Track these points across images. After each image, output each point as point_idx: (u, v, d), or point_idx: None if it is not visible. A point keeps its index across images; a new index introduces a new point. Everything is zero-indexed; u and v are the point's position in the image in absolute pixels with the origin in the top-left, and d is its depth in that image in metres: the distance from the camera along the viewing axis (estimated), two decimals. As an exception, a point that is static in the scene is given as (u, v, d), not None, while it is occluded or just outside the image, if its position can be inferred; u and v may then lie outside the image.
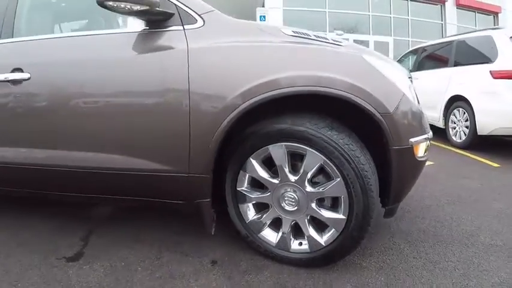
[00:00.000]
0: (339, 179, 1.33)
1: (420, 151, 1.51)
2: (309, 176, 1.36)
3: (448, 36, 5.79)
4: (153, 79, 1.37)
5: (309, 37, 1.45)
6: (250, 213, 1.51)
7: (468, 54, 4.62)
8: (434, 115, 4.95)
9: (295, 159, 1.40)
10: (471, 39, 4.64)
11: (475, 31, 4.94)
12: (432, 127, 1.91)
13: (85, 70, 1.48)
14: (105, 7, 1.28)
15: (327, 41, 1.46)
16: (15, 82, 1.56)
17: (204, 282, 1.38)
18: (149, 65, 1.39)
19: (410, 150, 1.44)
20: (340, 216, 1.37)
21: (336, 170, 1.32)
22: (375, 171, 1.41)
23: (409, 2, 12.78)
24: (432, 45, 5.84)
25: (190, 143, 1.33)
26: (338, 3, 12.23)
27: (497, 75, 3.89)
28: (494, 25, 14.13)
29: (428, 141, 1.56)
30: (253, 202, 1.50)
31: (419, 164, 1.54)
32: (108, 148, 1.45)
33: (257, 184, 1.47)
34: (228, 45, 1.36)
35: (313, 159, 1.33)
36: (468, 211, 2.26)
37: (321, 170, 1.38)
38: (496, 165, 3.71)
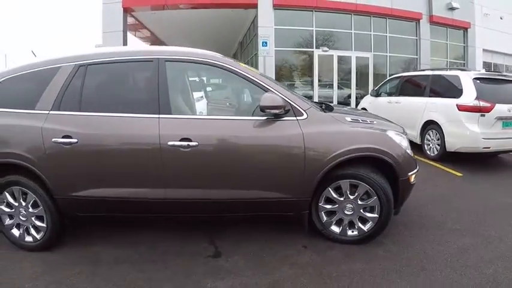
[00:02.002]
0: (375, 197, 2.68)
1: (412, 179, 2.90)
2: (360, 196, 2.70)
3: (425, 70, 7.33)
4: (284, 146, 2.59)
5: (359, 121, 2.81)
6: (324, 217, 2.82)
7: (440, 87, 6.15)
8: (413, 133, 6.41)
9: (352, 187, 2.72)
10: (444, 75, 6.17)
11: (447, 69, 6.50)
12: (411, 143, 3.28)
13: (236, 140, 2.65)
14: (263, 110, 2.52)
15: (367, 122, 2.82)
16: (184, 147, 2.55)
17: (304, 256, 2.67)
18: (279, 138, 2.60)
19: (407, 179, 2.83)
20: (376, 215, 2.72)
21: (374, 193, 2.67)
22: (391, 191, 2.75)
23: (387, 20, 14.41)
24: (412, 75, 7.42)
25: (303, 182, 2.61)
26: (324, 22, 13.68)
27: (462, 108, 5.40)
28: (464, 39, 16.08)
29: (415, 174, 2.93)
30: (327, 211, 2.81)
31: (411, 186, 2.94)
32: (253, 187, 2.65)
33: (330, 200, 2.78)
34: (322, 130, 2.65)
35: (363, 188, 2.68)
36: (439, 208, 3.70)
37: (366, 193, 2.71)
38: (459, 174, 5.22)
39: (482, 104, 5.23)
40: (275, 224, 3.19)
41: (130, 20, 13.99)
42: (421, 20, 14.73)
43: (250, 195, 2.66)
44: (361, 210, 2.75)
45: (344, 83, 14.36)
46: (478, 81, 5.43)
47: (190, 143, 2.55)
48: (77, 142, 2.61)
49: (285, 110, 2.57)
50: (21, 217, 2.83)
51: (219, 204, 2.73)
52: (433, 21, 14.80)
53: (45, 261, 2.70)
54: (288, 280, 2.36)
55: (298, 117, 2.64)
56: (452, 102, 5.59)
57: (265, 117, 2.61)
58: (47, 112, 2.71)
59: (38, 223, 2.82)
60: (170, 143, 2.55)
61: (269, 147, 2.64)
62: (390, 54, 14.88)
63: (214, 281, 2.38)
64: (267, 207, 2.75)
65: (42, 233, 2.83)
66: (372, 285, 2.31)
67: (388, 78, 8.41)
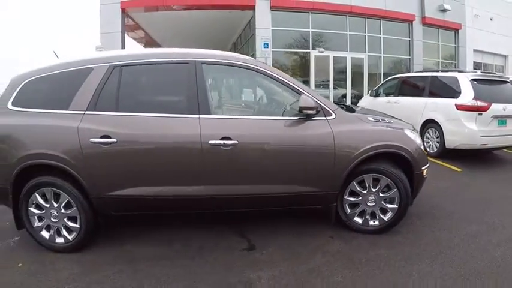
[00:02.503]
0: (395, 190, 2.99)
1: (425, 173, 3.23)
2: (381, 189, 3.01)
3: (424, 71, 7.72)
4: (315, 143, 2.86)
5: (379, 121, 3.13)
6: (348, 209, 3.13)
7: (439, 88, 6.53)
8: (415, 133, 6.77)
9: (375, 181, 3.03)
10: (442, 77, 6.57)
11: (445, 71, 6.89)
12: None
13: (272, 139, 2.87)
14: (301, 111, 2.79)
15: (386, 121, 3.15)
16: (224, 146, 2.75)
17: (333, 246, 2.96)
18: (312, 136, 2.87)
19: (421, 173, 3.16)
20: (395, 206, 3.04)
21: (394, 185, 2.98)
22: (408, 184, 3.07)
23: (381, 21, 14.88)
24: (411, 76, 7.81)
25: (333, 176, 2.91)
26: (320, 23, 14.07)
27: (460, 108, 5.79)
28: (456, 39, 16.65)
29: (428, 168, 3.25)
30: (350, 203, 3.12)
31: (424, 179, 3.27)
32: (288, 182, 2.91)
33: (353, 193, 3.09)
34: (349, 128, 2.94)
35: (384, 181, 2.99)
36: (445, 200, 4.06)
37: (386, 186, 3.02)
38: (458, 169, 5.60)
39: (479, 103, 5.63)
40: (298, 218, 3.47)
41: (126, 20, 14.12)
42: (414, 21, 15.26)
43: (285, 189, 2.92)
44: (382, 202, 3.07)
45: (339, 83, 14.77)
46: (475, 82, 5.83)
47: (231, 142, 2.75)
48: (116, 142, 2.71)
49: (317, 111, 2.86)
50: (52, 218, 2.86)
51: (256, 199, 2.95)
52: (426, 23, 15.33)
53: (80, 262, 2.77)
54: (323, 267, 2.64)
55: (327, 117, 2.93)
56: (451, 102, 5.98)
57: (297, 117, 2.88)
58: (82, 112, 2.77)
59: (71, 224, 2.87)
60: (211, 142, 2.73)
61: (302, 144, 2.89)
62: (384, 55, 15.36)
63: (255, 272, 2.58)
64: (299, 200, 3.03)
65: (74, 234, 2.89)
66: (398, 268, 2.61)
67: (386, 79, 8.78)
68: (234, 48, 21.04)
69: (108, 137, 2.71)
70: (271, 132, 2.89)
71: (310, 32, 14.03)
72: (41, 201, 2.84)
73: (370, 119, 3.15)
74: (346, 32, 14.52)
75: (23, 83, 2.93)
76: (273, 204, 3.12)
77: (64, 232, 2.89)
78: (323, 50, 14.06)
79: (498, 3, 17.75)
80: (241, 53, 14.51)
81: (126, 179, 2.81)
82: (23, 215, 2.87)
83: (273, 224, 3.38)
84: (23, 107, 2.87)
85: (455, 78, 6.09)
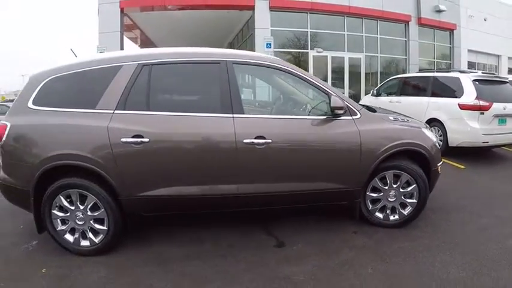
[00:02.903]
0: (414, 185, 3.21)
1: (439, 169, 3.45)
2: (401, 184, 3.23)
3: (426, 72, 7.99)
4: (339, 139, 3.04)
5: (398, 120, 3.35)
6: (370, 205, 3.33)
7: (442, 88, 6.80)
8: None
9: (395, 177, 3.24)
10: (444, 77, 6.85)
11: (447, 71, 7.16)
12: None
13: (303, 137, 2.99)
14: (332, 110, 2.96)
15: (405, 121, 3.37)
16: (259, 144, 2.84)
17: (358, 240, 3.16)
18: (340, 134, 3.03)
19: (437, 169, 3.40)
20: (414, 201, 3.26)
21: (414, 181, 3.20)
22: (426, 179, 3.28)
23: (378, 22, 15.19)
24: (413, 76, 8.08)
25: (359, 173, 3.10)
26: (318, 24, 14.33)
27: (463, 107, 6.05)
28: (450, 39, 17.05)
29: (441, 165, 3.47)
30: (372, 199, 3.32)
31: (438, 175, 3.49)
32: (318, 179, 3.06)
33: (375, 189, 3.29)
34: (373, 127, 3.14)
35: (404, 177, 3.21)
36: (454, 195, 4.32)
37: (406, 181, 3.24)
38: (462, 167, 5.88)
39: (481, 103, 5.90)
40: (318, 215, 3.64)
41: (125, 20, 14.19)
42: (410, 22, 15.62)
43: (315, 186, 3.08)
44: (402, 197, 3.28)
45: (337, 82, 15.02)
46: (477, 82, 6.11)
47: (264, 141, 2.84)
48: (148, 141, 2.71)
49: (344, 111, 3.03)
50: (77, 221, 2.82)
51: (287, 196, 3.07)
52: (422, 23, 15.71)
53: (107, 265, 2.74)
54: (353, 260, 2.82)
55: (353, 117, 3.11)
56: (454, 101, 6.24)
57: (325, 117, 3.05)
58: (112, 111, 2.76)
59: (98, 226, 2.84)
60: (246, 140, 2.81)
61: (331, 143, 3.06)
62: (381, 55, 15.69)
63: (290, 267, 2.69)
64: (327, 197, 3.21)
65: (101, 236, 2.85)
66: (422, 259, 2.82)
67: (387, 79, 9.03)
68: (230, 48, 21.22)
69: (140, 136, 2.71)
70: (302, 131, 3.03)
71: (309, 32, 14.28)
72: (65, 203, 2.79)
73: (391, 118, 3.38)
74: (344, 33, 14.81)
75: (44, 81, 2.87)
76: (303, 201, 3.27)
77: (90, 235, 2.86)
78: (321, 50, 14.30)
79: (492, 4, 18.26)
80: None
81: (159, 178, 2.82)
82: (45, 218, 2.80)
83: (296, 221, 3.54)
84: (44, 106, 2.83)
85: (458, 79, 6.36)
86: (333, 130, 3.05)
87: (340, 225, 3.41)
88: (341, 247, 3.03)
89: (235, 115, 2.86)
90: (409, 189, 3.26)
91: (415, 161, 3.28)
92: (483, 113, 5.93)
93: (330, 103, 2.95)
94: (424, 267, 2.70)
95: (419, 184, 3.22)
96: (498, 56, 19.38)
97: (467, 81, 6.17)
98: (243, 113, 2.92)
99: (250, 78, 7.31)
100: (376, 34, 15.44)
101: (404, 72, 15.08)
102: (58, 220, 2.84)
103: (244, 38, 16.49)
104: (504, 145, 6.65)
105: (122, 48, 12.52)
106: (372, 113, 3.33)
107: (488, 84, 6.24)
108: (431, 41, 16.80)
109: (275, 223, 3.48)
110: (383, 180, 3.26)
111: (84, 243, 2.88)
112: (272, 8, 13.23)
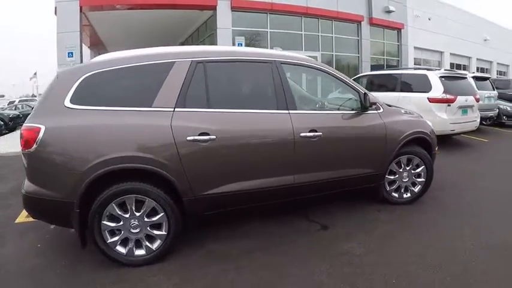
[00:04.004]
0: (423, 166, 4.00)
1: (437, 152, 4.27)
2: (413, 166, 3.98)
3: (394, 69, 9.06)
4: (370, 130, 3.62)
5: (407, 113, 4.10)
6: (387, 186, 4.03)
7: (410, 84, 7.84)
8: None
9: (408, 160, 3.98)
10: (412, 74, 7.91)
11: (415, 69, 8.24)
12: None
13: (347, 130, 3.51)
14: (370, 105, 3.54)
15: (412, 113, 4.15)
16: (312, 137, 3.22)
17: (384, 216, 3.83)
18: (371, 126, 3.61)
19: (435, 152, 4.22)
20: (423, 179, 4.06)
21: (423, 163, 3.98)
22: (431, 160, 4.07)
23: (333, 22, 16.41)
24: (381, 74, 9.13)
25: (384, 159, 3.76)
26: (277, 24, 15.15)
27: (432, 100, 7.10)
28: (398, 38, 18.89)
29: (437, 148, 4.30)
30: (389, 181, 4.02)
31: (435, 157, 4.29)
32: (357, 166, 3.61)
33: (392, 172, 4.00)
34: (394, 119, 3.82)
35: (416, 160, 3.98)
36: (439, 174, 5.17)
37: (417, 164, 3.99)
38: (438, 152, 6.85)
39: (448, 96, 6.99)
40: (340, 200, 4.22)
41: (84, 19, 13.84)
42: (362, 22, 17.08)
43: (354, 172, 3.61)
44: (414, 178, 4.03)
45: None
46: (443, 78, 7.20)
47: (317, 134, 3.25)
48: (215, 138, 2.81)
49: (373, 107, 3.67)
50: (132, 230, 2.73)
51: (334, 183, 3.52)
52: (373, 23, 17.26)
53: (171, 272, 2.72)
54: (389, 231, 3.42)
55: (378, 111, 3.76)
56: (423, 95, 7.28)
57: (356, 111, 3.65)
58: (172, 109, 2.78)
59: (156, 232, 2.78)
60: (302, 134, 3.17)
61: (365, 133, 3.64)
62: (336, 53, 16.92)
63: (343, 244, 3.12)
64: (361, 181, 3.77)
65: (159, 242, 2.80)
66: (442, 226, 3.56)
67: (355, 76, 10.00)
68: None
69: (206, 134, 2.79)
70: (344, 124, 3.54)
71: (269, 32, 15.02)
72: (118, 212, 2.68)
73: (403, 111, 4.14)
74: (301, 32, 15.80)
75: (81, 78, 2.72)
76: (346, 187, 3.73)
77: (146, 242, 2.79)
78: (280, 49, 15.00)
79: (435, 5, 20.62)
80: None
81: (224, 175, 2.93)
82: (93, 231, 2.65)
83: (324, 207, 4.05)
84: (86, 105, 2.68)
85: (426, 76, 7.43)
86: (366, 123, 3.65)
87: (363, 207, 4.06)
88: (374, 223, 3.65)
89: (290, 111, 3.20)
90: (418, 170, 4.03)
91: (421, 146, 4.05)
92: (450, 105, 7.02)
93: (364, 99, 3.56)
94: (445, 231, 3.44)
95: (427, 165, 4.00)
96: (441, 53, 21.82)
97: (434, 78, 7.25)
98: (296, 109, 3.27)
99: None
100: (331, 34, 16.65)
101: (357, 69, 16.54)
102: (106, 231, 2.69)
103: (201, 38, 16.85)
104: (465, 132, 7.85)
105: (81, 49, 12.26)
106: (390, 107, 4.03)
107: (451, 80, 7.38)
108: (381, 40, 18.47)
109: (308, 211, 3.94)
110: (398, 164, 3.98)
111: (139, 252, 2.78)
112: (234, 8, 13.77)
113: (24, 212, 3.81)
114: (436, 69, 7.93)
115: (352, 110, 3.67)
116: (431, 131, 4.16)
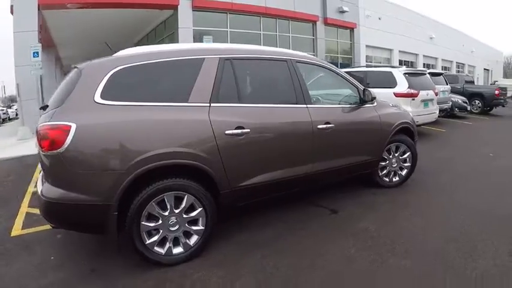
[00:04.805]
0: (409, 153, 4.65)
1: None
2: (400, 153, 4.60)
3: (360, 67, 9.85)
4: (369, 122, 4.13)
5: (393, 106, 4.71)
6: (379, 171, 4.60)
7: (376, 81, 8.62)
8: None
9: (397, 148, 4.59)
10: (378, 71, 8.70)
11: (381, 66, 9.06)
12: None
13: (352, 121, 3.96)
14: (372, 99, 4.13)
15: (396, 106, 4.76)
16: (327, 129, 3.62)
17: (381, 198, 4.40)
18: (370, 118, 4.13)
19: (416, 140, 4.87)
20: (409, 164, 4.70)
21: (409, 149, 4.62)
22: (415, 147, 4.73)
23: (290, 22, 17.18)
24: (348, 72, 9.81)
25: (380, 147, 4.31)
26: (237, 24, 15.60)
27: (398, 95, 7.92)
28: (351, 37, 20.16)
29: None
30: (381, 166, 4.59)
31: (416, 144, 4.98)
32: (359, 153, 4.10)
33: (383, 159, 4.57)
34: (385, 112, 4.41)
35: (403, 147, 4.61)
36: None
37: (403, 151, 4.62)
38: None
39: (412, 91, 7.85)
40: (337, 187, 4.74)
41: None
42: (317, 22, 18.10)
43: (358, 159, 4.10)
44: (401, 162, 4.65)
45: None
46: (407, 75, 8.04)
47: (330, 125, 3.66)
48: (249, 132, 3.02)
49: (371, 101, 4.23)
50: (170, 228, 2.74)
51: (341, 170, 3.98)
52: (327, 23, 18.35)
53: (213, 265, 2.81)
54: (390, 209, 3.98)
55: (373, 104, 4.31)
56: (389, 91, 8.09)
57: (355, 105, 4.15)
58: (208, 104, 2.92)
59: (194, 228, 2.85)
60: (319, 126, 3.57)
61: (366, 124, 4.16)
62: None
63: (356, 223, 3.55)
64: (361, 167, 4.28)
65: (196, 238, 2.86)
66: (433, 202, 4.19)
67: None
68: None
69: (241, 127, 2.99)
70: (349, 117, 4.03)
71: (228, 32, 15.43)
72: (158, 210, 2.69)
73: (391, 105, 4.73)
74: (260, 32, 16.39)
75: (111, 72, 2.69)
76: (351, 173, 4.24)
77: (184, 239, 2.83)
78: (211, 40, 15.52)
79: (385, 5, 22.38)
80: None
81: (255, 167, 3.16)
82: (133, 233, 2.62)
83: (326, 194, 4.49)
84: (118, 101, 2.64)
85: (391, 73, 8.26)
86: (366, 115, 4.17)
87: (360, 191, 4.58)
88: (375, 204, 4.16)
89: (308, 105, 3.58)
90: (405, 156, 4.65)
91: (407, 135, 4.68)
92: (414, 99, 7.89)
93: (364, 94, 4.10)
94: (433, 204, 4.08)
95: (412, 151, 4.64)
96: (390, 50, 23.56)
97: (399, 75, 8.09)
98: (311, 104, 3.65)
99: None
100: (288, 33, 17.44)
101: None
102: (144, 232, 2.67)
103: (159, 38, 16.84)
104: (426, 124, 8.79)
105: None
106: (381, 101, 4.61)
107: (413, 76, 8.27)
108: (335, 39, 19.65)
109: (313, 198, 4.30)
110: (388, 151, 4.56)
111: (177, 250, 2.81)
112: (195, 8, 14.01)
113: (18, 224, 3.83)
114: (402, 67, 8.82)
115: (352, 104, 4.18)
116: (412, 121, 4.81)
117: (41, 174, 2.91)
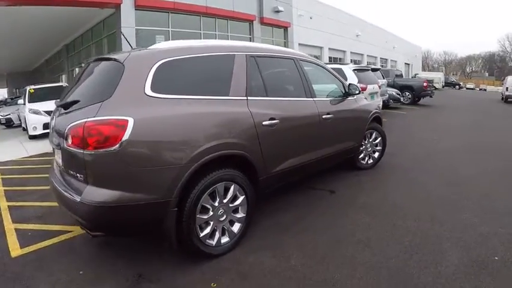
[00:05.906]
0: (380, 138, 5.60)
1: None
2: (373, 138, 5.52)
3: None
4: (354, 111, 4.87)
5: (366, 98, 5.60)
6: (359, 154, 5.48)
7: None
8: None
9: (370, 134, 5.49)
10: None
11: (332, 63, 10.09)
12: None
13: (345, 111, 4.63)
14: (359, 92, 4.95)
15: (366, 98, 5.66)
16: (329, 119, 4.16)
17: (363, 177, 5.25)
18: (352, 106, 4.87)
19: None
20: (380, 148, 5.66)
21: (380, 134, 5.59)
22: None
23: (228, 21, 17.81)
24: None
25: (361, 133, 5.13)
26: (178, 23, 15.78)
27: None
28: (285, 35, 21.41)
29: None
30: (361, 150, 5.46)
31: None
32: (348, 139, 4.82)
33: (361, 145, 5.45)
34: (362, 103, 5.23)
35: (376, 134, 5.55)
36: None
37: (375, 136, 5.54)
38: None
39: (361, 85, 8.90)
40: (323, 172, 5.47)
41: None
42: (254, 21, 19.00)
43: (347, 145, 4.80)
44: (374, 147, 5.57)
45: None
46: (356, 71, 9.16)
47: (330, 116, 4.24)
48: (278, 123, 3.37)
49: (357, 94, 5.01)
50: (219, 218, 2.88)
51: (336, 155, 4.56)
52: (264, 22, 19.37)
53: (257, 250, 3.01)
54: (376, 186, 4.85)
55: (354, 97, 5.05)
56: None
57: (342, 97, 4.82)
58: (245, 98, 3.19)
59: (238, 216, 3.05)
60: (324, 116, 4.13)
61: (353, 113, 4.87)
62: (232, 51, 18.35)
63: (358, 199, 4.23)
64: (349, 152, 4.99)
65: (239, 226, 3.06)
66: (409, 178, 5.15)
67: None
68: (67, 50, 20.31)
69: (273, 118, 3.35)
70: (341, 108, 4.60)
71: (170, 31, 15.57)
72: (211, 202, 2.79)
73: (364, 97, 5.60)
74: (200, 31, 16.79)
75: (156, 65, 2.70)
76: (341, 157, 4.83)
77: (230, 228, 3.00)
78: (163, 39, 15.77)
79: (316, 5, 24.07)
80: (85, 54, 14.66)
81: (284, 153, 3.56)
82: (189, 227, 2.64)
83: (318, 178, 5.09)
84: (166, 93, 2.67)
85: (341, 69, 9.29)
86: (351, 106, 4.91)
87: (344, 174, 5.36)
88: (362, 183, 4.95)
89: (314, 98, 4.12)
90: (377, 141, 5.57)
91: (377, 122, 5.60)
92: (363, 93, 8.96)
93: (349, 88, 4.85)
94: (402, 180, 5.06)
95: (383, 136, 5.59)
96: (321, 48, 25.32)
97: (349, 71, 9.18)
98: (315, 97, 4.17)
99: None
100: (226, 32, 18.05)
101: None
102: (198, 226, 2.73)
103: (97, 37, 16.41)
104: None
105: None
106: (358, 94, 5.44)
107: (361, 72, 9.45)
108: (270, 37, 20.71)
109: (309, 182, 4.89)
110: (364, 137, 5.41)
111: (225, 239, 2.94)
112: (137, 7, 13.91)
113: (14, 243, 3.43)
114: (350, 64, 9.96)
115: (340, 97, 4.83)
116: (380, 109, 5.75)
117: (55, 182, 2.90)
